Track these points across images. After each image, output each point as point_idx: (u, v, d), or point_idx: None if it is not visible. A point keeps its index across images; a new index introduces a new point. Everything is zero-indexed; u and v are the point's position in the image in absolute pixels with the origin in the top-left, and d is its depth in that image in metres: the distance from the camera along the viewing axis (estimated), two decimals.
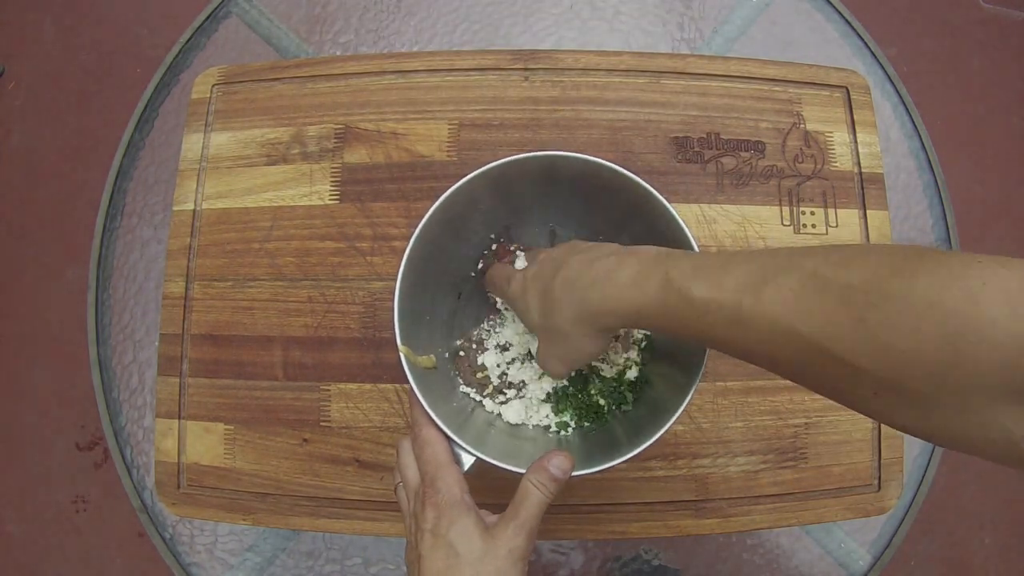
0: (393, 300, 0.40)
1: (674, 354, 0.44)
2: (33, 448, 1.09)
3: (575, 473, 0.37)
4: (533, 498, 0.35)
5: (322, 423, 0.53)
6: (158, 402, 0.54)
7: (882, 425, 0.54)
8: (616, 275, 0.34)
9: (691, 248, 0.39)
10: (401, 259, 0.40)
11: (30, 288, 1.14)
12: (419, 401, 0.38)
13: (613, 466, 0.37)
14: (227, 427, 0.54)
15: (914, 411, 0.25)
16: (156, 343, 0.56)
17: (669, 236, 0.40)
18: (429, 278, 0.44)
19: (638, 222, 0.43)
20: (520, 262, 0.44)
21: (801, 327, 0.26)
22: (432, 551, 0.35)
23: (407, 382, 0.39)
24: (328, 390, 0.54)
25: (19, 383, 1.11)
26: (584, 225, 0.48)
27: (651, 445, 0.37)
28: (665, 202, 0.40)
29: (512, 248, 0.48)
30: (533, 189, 0.44)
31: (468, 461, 0.38)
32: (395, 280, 0.40)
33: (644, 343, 0.47)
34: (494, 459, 0.38)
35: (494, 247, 0.48)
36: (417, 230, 0.40)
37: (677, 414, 0.37)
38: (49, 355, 1.11)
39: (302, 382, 0.54)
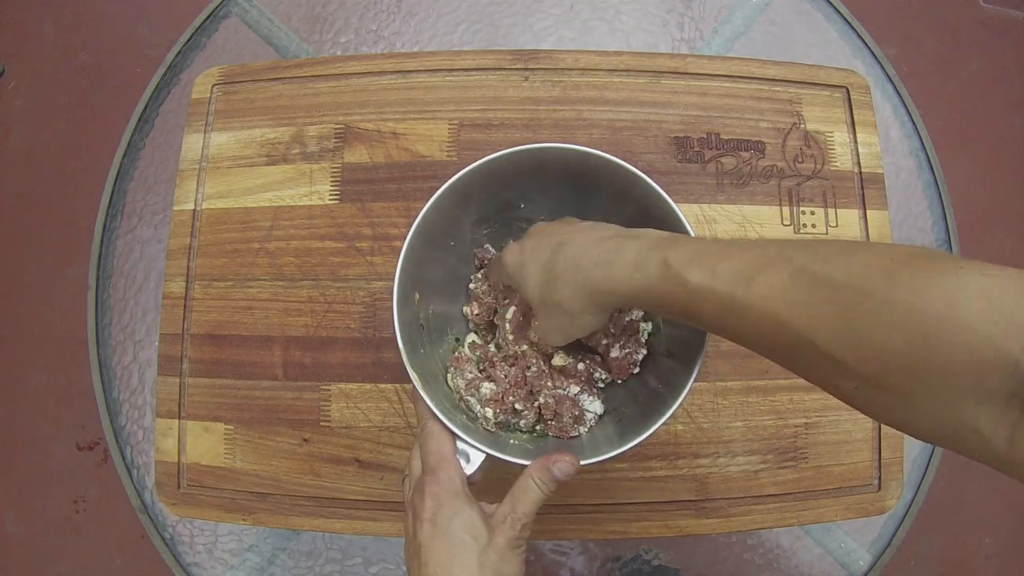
0: (392, 302, 0.40)
1: (672, 351, 0.44)
2: (33, 448, 1.09)
3: None
4: (532, 494, 0.36)
5: (322, 423, 0.53)
6: (158, 402, 0.54)
7: (882, 425, 0.54)
8: (619, 257, 0.34)
9: (683, 225, 0.39)
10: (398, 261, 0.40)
11: (30, 288, 1.14)
12: (423, 398, 0.38)
13: (611, 457, 0.37)
14: (227, 427, 0.54)
15: (895, 406, 0.25)
16: (156, 343, 0.56)
17: (660, 217, 0.40)
18: (428, 272, 0.44)
19: (630, 207, 0.43)
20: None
21: (788, 319, 0.27)
22: (432, 540, 0.35)
23: (408, 382, 0.39)
24: (328, 390, 0.54)
25: (19, 383, 1.11)
26: (577, 217, 0.48)
27: (648, 440, 0.37)
28: (652, 183, 0.40)
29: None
30: (524, 183, 0.44)
31: (477, 460, 0.38)
32: (394, 280, 0.40)
33: (646, 336, 0.47)
34: (504, 455, 0.38)
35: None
36: (411, 233, 0.40)
37: (677, 405, 0.37)
38: (49, 355, 1.11)
39: (302, 382, 0.54)
